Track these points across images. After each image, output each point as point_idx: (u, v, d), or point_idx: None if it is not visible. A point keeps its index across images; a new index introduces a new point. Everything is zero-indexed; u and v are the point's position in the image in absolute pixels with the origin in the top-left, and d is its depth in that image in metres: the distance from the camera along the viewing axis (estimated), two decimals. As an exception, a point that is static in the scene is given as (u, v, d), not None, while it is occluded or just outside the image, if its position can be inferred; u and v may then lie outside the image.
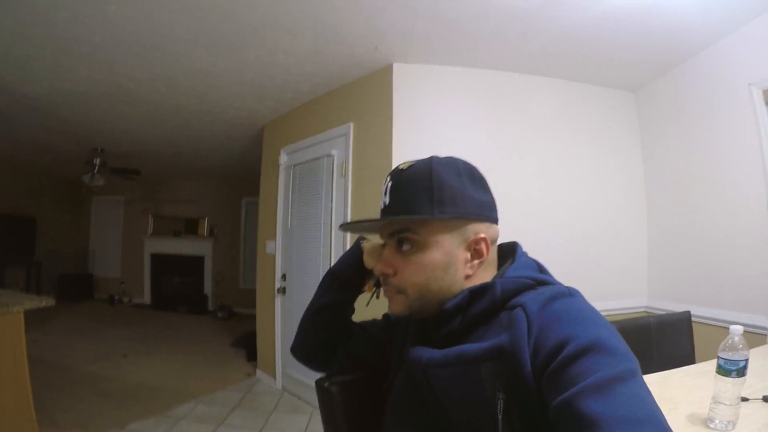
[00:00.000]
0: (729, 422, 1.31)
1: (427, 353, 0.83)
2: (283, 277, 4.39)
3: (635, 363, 0.63)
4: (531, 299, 0.75)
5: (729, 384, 1.31)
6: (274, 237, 4.54)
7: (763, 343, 2.54)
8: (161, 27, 2.93)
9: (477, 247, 0.86)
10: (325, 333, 1.15)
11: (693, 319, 2.54)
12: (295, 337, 1.19)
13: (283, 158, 4.48)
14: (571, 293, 0.77)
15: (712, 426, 1.33)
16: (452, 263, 0.86)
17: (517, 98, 3.51)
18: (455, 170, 0.88)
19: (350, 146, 3.62)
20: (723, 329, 2.72)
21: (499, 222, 0.93)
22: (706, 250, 3.17)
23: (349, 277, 1.12)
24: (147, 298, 9.16)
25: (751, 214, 2.85)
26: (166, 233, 9.23)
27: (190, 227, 9.26)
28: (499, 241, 0.94)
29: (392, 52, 3.25)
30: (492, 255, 0.90)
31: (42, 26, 2.92)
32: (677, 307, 2.92)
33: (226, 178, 8.83)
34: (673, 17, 2.71)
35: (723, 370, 1.32)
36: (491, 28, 2.90)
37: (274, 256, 4.52)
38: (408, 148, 3.23)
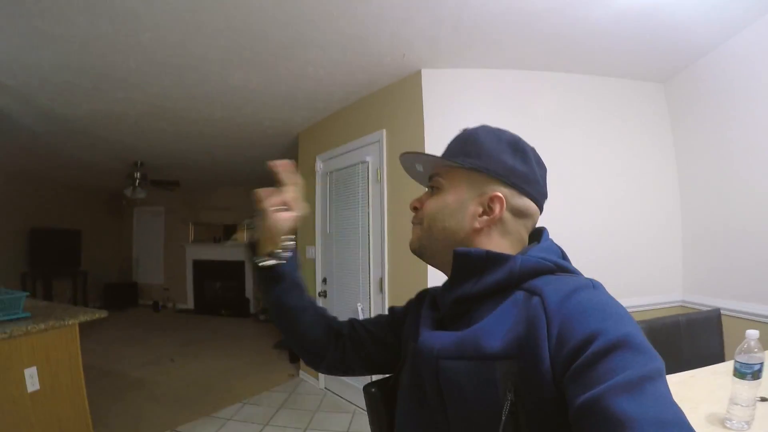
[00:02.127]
0: (745, 423, 1.38)
1: (439, 341, 0.82)
2: (324, 280, 4.51)
3: (662, 363, 0.59)
4: (551, 289, 0.72)
5: (745, 386, 1.38)
6: (313, 242, 4.67)
7: None
8: (195, 50, 3.08)
9: (491, 204, 0.87)
10: (303, 330, 1.10)
11: (728, 313, 2.54)
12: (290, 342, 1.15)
13: (319, 165, 4.60)
14: (594, 285, 0.73)
15: (728, 426, 1.39)
16: (461, 210, 0.89)
17: (546, 97, 3.52)
18: (496, 136, 0.92)
19: (384, 152, 3.71)
20: (758, 323, 2.77)
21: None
22: (741, 244, 3.10)
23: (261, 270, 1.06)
24: (190, 303, 9.44)
25: None
26: (207, 240, 9.51)
27: (230, 233, 9.47)
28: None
29: (420, 59, 3.31)
30: (513, 225, 0.90)
31: (79, 55, 3.10)
32: (713, 302, 2.92)
33: (261, 185, 8.90)
34: (700, 4, 2.66)
35: (739, 373, 1.40)
36: (514, 29, 2.92)
37: (314, 261, 4.64)
38: (440, 150, 3.27)
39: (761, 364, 1.38)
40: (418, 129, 3.38)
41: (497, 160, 0.89)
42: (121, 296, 9.22)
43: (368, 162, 3.91)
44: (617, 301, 0.70)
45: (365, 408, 1.20)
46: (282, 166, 1.05)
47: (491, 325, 0.76)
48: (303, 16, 2.70)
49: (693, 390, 1.67)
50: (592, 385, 0.57)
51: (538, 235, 0.94)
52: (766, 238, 2.91)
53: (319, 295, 4.50)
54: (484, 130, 0.94)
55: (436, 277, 3.14)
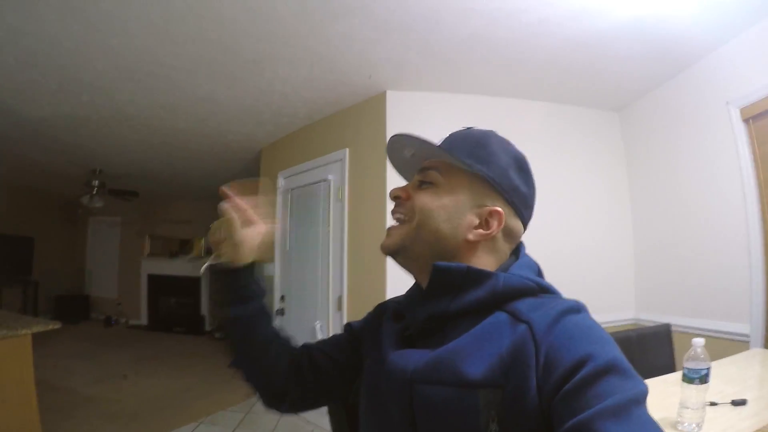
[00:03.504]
0: (696, 425, 1.47)
1: (412, 361, 0.76)
2: (282, 298, 4.46)
3: (646, 387, 0.60)
4: (539, 316, 0.69)
5: (693, 390, 1.48)
6: (272, 259, 4.62)
7: (746, 348, 2.70)
8: (163, 57, 3.06)
9: (489, 218, 0.82)
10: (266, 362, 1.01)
11: (679, 329, 2.71)
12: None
13: (281, 182, 4.58)
14: (578, 308, 0.71)
15: (680, 428, 1.48)
16: (457, 216, 0.82)
17: (504, 121, 3.55)
18: (505, 148, 0.87)
19: (346, 171, 3.73)
20: (707, 338, 2.91)
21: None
22: (690, 264, 3.31)
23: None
24: (144, 319, 9.15)
25: (731, 228, 2.99)
26: (163, 254, 9.27)
27: (187, 248, 9.28)
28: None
29: (385, 80, 3.39)
30: (501, 245, 0.85)
31: (47, 55, 3.03)
32: (664, 319, 3.05)
33: (220, 199, 8.81)
34: (654, 39, 2.84)
35: (688, 378, 1.49)
36: (478, 55, 3.05)
37: (272, 278, 4.60)
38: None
39: (708, 369, 1.48)
40: (380, 148, 3.41)
41: (504, 175, 0.84)
42: (73, 309, 8.86)
43: (330, 180, 3.92)
44: (598, 325, 0.69)
45: (325, 428, 1.17)
46: (234, 190, 0.98)
47: (470, 346, 0.72)
48: (275, 32, 2.74)
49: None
50: (580, 410, 0.56)
51: (515, 248, 0.90)
52: (712, 258, 3.12)
53: (277, 312, 4.45)
54: (495, 137, 0.89)
55: (396, 293, 3.19)
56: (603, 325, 0.69)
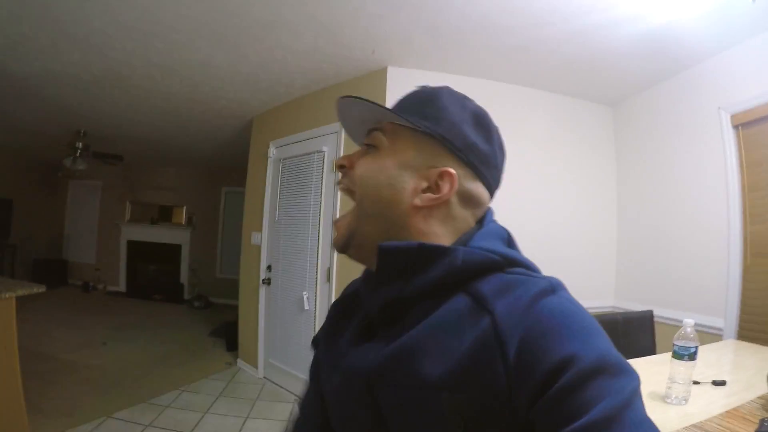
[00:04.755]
0: (682, 398, 1.63)
1: (368, 360, 0.66)
2: (269, 268, 4.47)
3: (637, 378, 0.53)
4: (504, 306, 0.58)
5: (682, 367, 1.62)
6: (260, 228, 4.61)
7: (719, 340, 2.88)
8: (165, 16, 2.97)
9: (439, 180, 0.69)
10: None
11: (655, 319, 2.86)
12: None
13: (273, 151, 4.55)
14: (553, 288, 0.60)
15: (668, 401, 1.64)
16: (401, 179, 0.71)
17: (504, 106, 3.67)
18: (461, 104, 0.75)
19: (341, 144, 3.72)
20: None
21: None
22: (669, 258, 3.45)
23: None
24: (122, 286, 9.06)
25: (711, 227, 3.14)
26: (144, 220, 9.14)
27: (168, 215, 9.19)
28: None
29: (388, 56, 3.36)
30: (459, 212, 0.72)
31: (42, 7, 2.90)
32: (641, 308, 3.18)
33: (206, 167, 8.83)
34: (655, 39, 2.90)
35: (677, 355, 1.64)
36: (485, 39, 3.06)
37: (259, 247, 4.59)
38: None
39: (696, 348, 1.63)
40: (378, 124, 3.39)
41: (458, 131, 0.71)
42: (51, 274, 8.64)
43: (324, 152, 3.90)
44: (579, 305, 0.59)
45: None
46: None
47: (427, 340, 0.61)
48: (281, -4, 2.67)
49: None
50: (566, 421, 0.49)
51: (481, 217, 0.77)
52: (691, 254, 3.29)
53: (263, 282, 4.46)
54: (448, 92, 0.76)
55: None
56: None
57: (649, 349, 2.75)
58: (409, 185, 0.71)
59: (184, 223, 9.14)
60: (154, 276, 9.09)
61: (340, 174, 0.79)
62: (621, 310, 3.66)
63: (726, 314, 2.96)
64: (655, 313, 3.02)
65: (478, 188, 0.73)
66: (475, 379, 0.56)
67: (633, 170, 3.88)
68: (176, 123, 5.59)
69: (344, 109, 0.79)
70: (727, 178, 3.03)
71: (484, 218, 0.76)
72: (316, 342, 0.93)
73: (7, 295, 2.61)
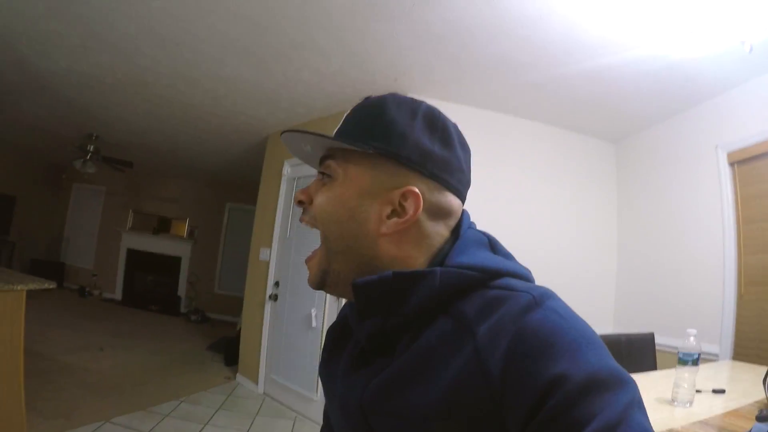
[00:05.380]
0: (687, 401, 1.77)
1: (360, 389, 0.65)
2: (276, 284, 4.49)
3: (634, 386, 0.50)
4: (486, 331, 0.55)
5: (686, 372, 1.78)
6: (269, 245, 4.65)
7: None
8: (197, 28, 3.05)
9: (402, 202, 0.65)
10: None
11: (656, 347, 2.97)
12: None
13: (287, 170, 4.62)
14: (536, 301, 0.56)
15: (675, 404, 1.78)
16: (362, 210, 0.66)
17: (513, 139, 3.89)
18: (410, 110, 0.68)
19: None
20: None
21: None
22: (667, 287, 3.59)
23: None
24: (118, 294, 9.01)
25: (707, 258, 3.29)
26: (145, 229, 9.16)
27: (169, 227, 9.21)
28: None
29: (410, 84, 3.47)
30: (431, 228, 0.67)
31: (78, 6, 2.92)
32: None
33: (212, 182, 8.88)
34: (659, 80, 3.10)
35: (682, 361, 1.80)
36: (501, 75, 3.23)
37: (267, 264, 4.62)
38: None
39: (698, 355, 1.82)
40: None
41: (412, 143, 0.65)
42: (47, 275, 8.20)
43: (338, 173, 3.93)
44: (569, 316, 0.56)
45: (308, 416, 0.97)
46: None
47: (415, 368, 0.60)
48: (317, 20, 2.77)
49: (639, 382, 2.08)
50: None
51: (456, 225, 0.71)
52: (688, 287, 3.43)
53: (270, 298, 4.48)
54: (394, 100, 0.69)
55: None
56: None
57: (652, 369, 2.88)
58: (372, 214, 0.66)
59: (185, 236, 9.14)
60: (151, 286, 9.06)
61: (301, 210, 0.74)
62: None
63: (721, 340, 3.09)
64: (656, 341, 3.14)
65: (447, 198, 0.68)
66: (463, 407, 0.54)
67: (633, 204, 4.04)
68: (191, 134, 5.65)
69: (293, 144, 0.73)
70: (722, 212, 3.19)
71: (459, 226, 0.70)
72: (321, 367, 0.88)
73: (18, 287, 2.58)
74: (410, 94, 2.83)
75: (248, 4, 2.70)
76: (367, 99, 0.73)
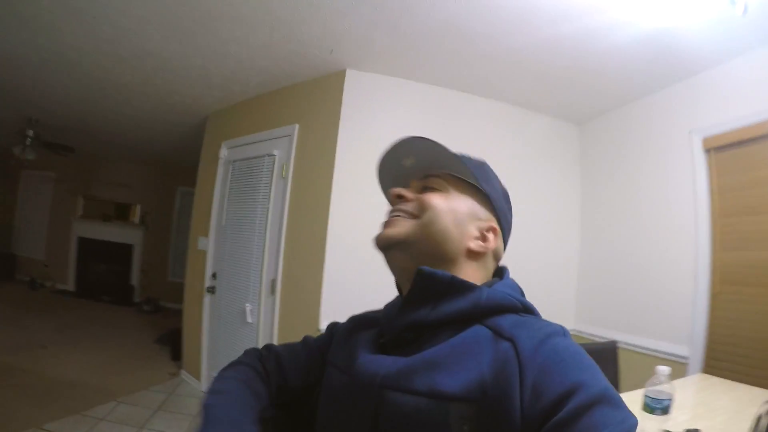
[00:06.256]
0: None
1: (383, 366, 0.74)
2: (213, 275, 4.23)
3: (636, 419, 0.58)
4: (524, 335, 0.67)
5: (653, 422, 1.44)
6: (206, 233, 4.38)
7: (683, 372, 2.73)
8: (115, 1, 2.77)
9: (486, 233, 0.85)
10: None
11: (618, 345, 2.63)
12: None
13: (224, 152, 4.34)
14: (564, 332, 0.70)
15: None
16: (463, 223, 0.84)
17: (465, 118, 3.57)
18: (498, 178, 0.93)
19: (293, 148, 3.53)
20: (646, 356, 3.04)
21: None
22: (633, 282, 3.34)
23: None
24: (71, 285, 8.61)
25: (678, 252, 3.02)
26: (96, 217, 8.74)
27: (122, 213, 8.85)
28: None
29: (347, 58, 3.22)
30: (489, 263, 0.87)
31: None
32: (603, 332, 3.17)
33: (162, 165, 8.52)
34: (627, 57, 2.81)
35: (649, 408, 1.44)
36: (448, 46, 2.93)
37: (205, 253, 4.36)
38: (351, 155, 3.22)
39: (670, 400, 1.42)
40: (332, 129, 3.27)
41: (499, 199, 0.89)
42: None
43: (275, 155, 3.71)
44: (585, 351, 0.67)
45: None
46: None
47: (447, 358, 0.69)
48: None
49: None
50: None
51: (499, 271, 0.90)
52: (655, 279, 3.17)
53: (207, 290, 4.23)
54: (491, 168, 0.94)
55: (332, 283, 3.14)
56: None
57: (613, 383, 2.62)
58: (471, 230, 0.84)
59: (137, 221, 8.81)
60: (104, 276, 8.67)
61: (397, 201, 0.89)
62: (582, 335, 3.61)
63: (693, 342, 2.84)
64: (618, 338, 2.91)
65: (501, 246, 0.90)
66: (490, 394, 0.63)
67: (598, 191, 3.78)
68: (129, 116, 5.32)
69: (399, 150, 0.91)
70: (696, 203, 2.94)
71: (502, 272, 0.88)
72: (306, 340, 1.03)
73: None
74: (349, 68, 2.56)
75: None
76: (470, 156, 0.91)
